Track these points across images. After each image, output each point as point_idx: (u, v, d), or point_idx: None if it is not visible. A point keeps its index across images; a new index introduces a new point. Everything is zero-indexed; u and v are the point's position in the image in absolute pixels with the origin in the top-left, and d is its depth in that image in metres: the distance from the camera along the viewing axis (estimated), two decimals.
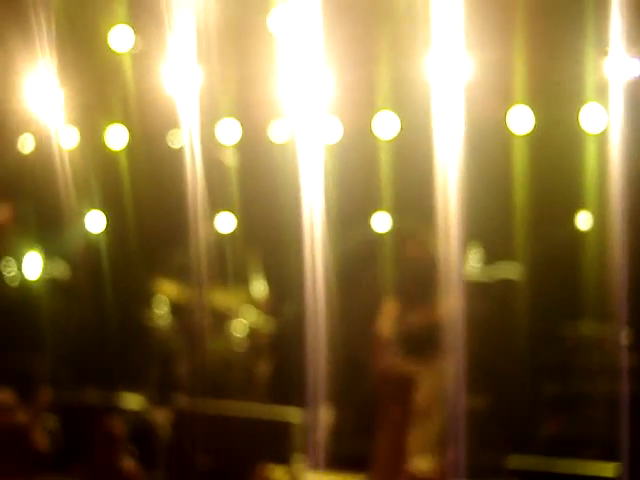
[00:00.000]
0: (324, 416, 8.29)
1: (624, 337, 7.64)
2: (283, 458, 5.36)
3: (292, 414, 5.64)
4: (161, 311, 9.23)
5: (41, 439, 2.07)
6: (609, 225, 7.37)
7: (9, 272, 9.61)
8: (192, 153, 9.16)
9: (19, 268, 9.78)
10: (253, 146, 10.27)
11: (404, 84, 8.81)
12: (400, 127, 9.37)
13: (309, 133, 7.65)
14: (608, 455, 6.49)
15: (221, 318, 9.30)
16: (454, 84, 7.81)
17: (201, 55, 8.93)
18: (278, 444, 5.45)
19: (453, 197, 7.53)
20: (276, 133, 10.25)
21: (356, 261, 9.84)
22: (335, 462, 7.02)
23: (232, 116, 9.93)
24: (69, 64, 9.79)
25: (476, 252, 7.41)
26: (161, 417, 6.59)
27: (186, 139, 9.15)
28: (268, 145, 10.22)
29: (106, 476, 1.67)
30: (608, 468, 5.45)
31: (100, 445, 2.32)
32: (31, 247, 10.07)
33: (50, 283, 9.58)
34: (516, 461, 5.65)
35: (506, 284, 7.44)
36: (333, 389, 8.01)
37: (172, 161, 9.20)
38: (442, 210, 7.38)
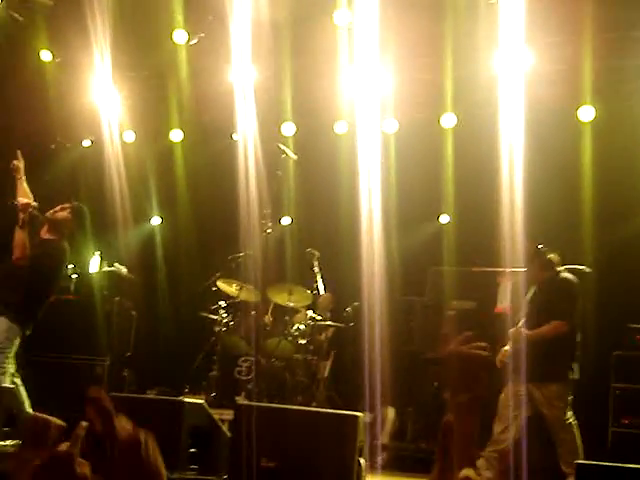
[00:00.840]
0: (387, 417, 8.36)
1: None
2: (345, 457, 5.40)
3: (354, 415, 5.68)
4: (222, 311, 9.30)
5: (82, 469, 2.15)
6: None
7: (71, 272, 9.79)
8: (253, 150, 9.31)
9: (82, 267, 9.97)
10: (315, 141, 10.34)
11: (467, 78, 8.85)
12: (460, 121, 9.39)
13: (369, 128, 7.69)
14: None
15: (282, 317, 9.35)
16: (518, 77, 7.84)
17: (261, 50, 9.08)
18: (341, 443, 5.48)
19: (519, 194, 7.56)
20: (338, 128, 10.31)
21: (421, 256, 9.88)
22: (398, 463, 7.09)
23: (294, 112, 9.99)
24: (130, 63, 10.01)
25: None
26: (224, 417, 6.67)
27: (247, 136, 9.30)
28: (330, 140, 10.27)
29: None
30: None
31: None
32: (93, 245, 10.28)
33: (111, 282, 9.74)
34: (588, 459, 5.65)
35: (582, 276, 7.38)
36: (396, 389, 8.07)
37: (232, 159, 9.33)
38: (508, 208, 7.41)
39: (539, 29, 7.87)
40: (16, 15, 10.00)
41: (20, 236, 6.77)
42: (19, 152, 7.30)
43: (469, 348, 2.57)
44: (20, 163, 7.26)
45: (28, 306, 6.91)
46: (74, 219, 7.20)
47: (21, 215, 6.78)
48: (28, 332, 7.04)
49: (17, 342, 6.95)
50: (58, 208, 7.21)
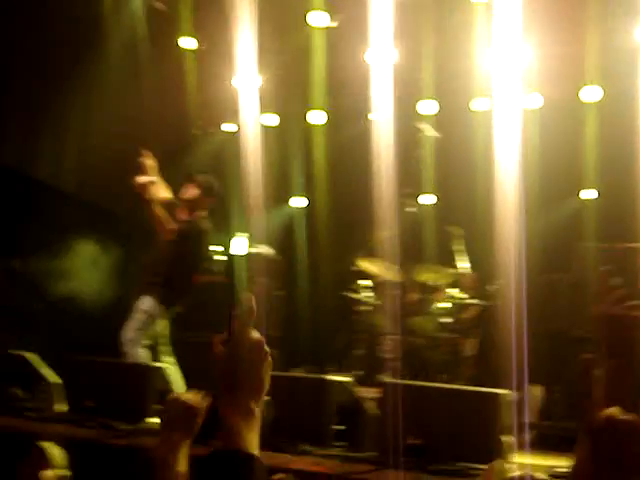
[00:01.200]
0: (532, 395, 8.32)
1: None
2: (491, 435, 5.44)
3: (498, 392, 5.71)
4: (365, 290, 9.42)
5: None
6: None
7: (218, 254, 10.06)
8: (392, 130, 9.37)
9: (228, 249, 10.24)
10: (454, 120, 10.33)
11: (610, 53, 8.69)
12: (605, 95, 9.24)
13: (510, 104, 7.65)
14: None
15: (426, 296, 9.41)
16: None
17: (400, 31, 9.12)
18: (486, 421, 5.52)
19: None
20: (477, 105, 10.27)
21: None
22: (544, 442, 7.06)
23: (433, 90, 10.01)
24: (269, 47, 10.21)
25: None
26: (369, 395, 6.78)
27: (385, 116, 9.37)
28: (469, 117, 10.25)
29: None
30: None
31: None
32: (237, 225, 10.56)
33: (257, 263, 9.95)
34: None
35: None
36: (542, 368, 8.02)
37: (371, 140, 9.41)
38: None
39: None
40: (158, 4, 10.37)
41: (153, 212, 6.85)
42: (145, 150, 7.32)
43: (622, 308, 2.46)
44: (148, 160, 7.21)
45: (173, 287, 7.07)
46: (206, 193, 7.24)
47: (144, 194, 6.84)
48: (175, 313, 7.18)
49: (163, 323, 7.12)
50: (186, 187, 7.27)
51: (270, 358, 2.05)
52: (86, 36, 9.91)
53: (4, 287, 10.45)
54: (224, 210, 11.11)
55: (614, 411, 2.20)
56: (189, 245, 7.10)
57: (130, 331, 6.96)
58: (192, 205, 7.21)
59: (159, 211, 6.88)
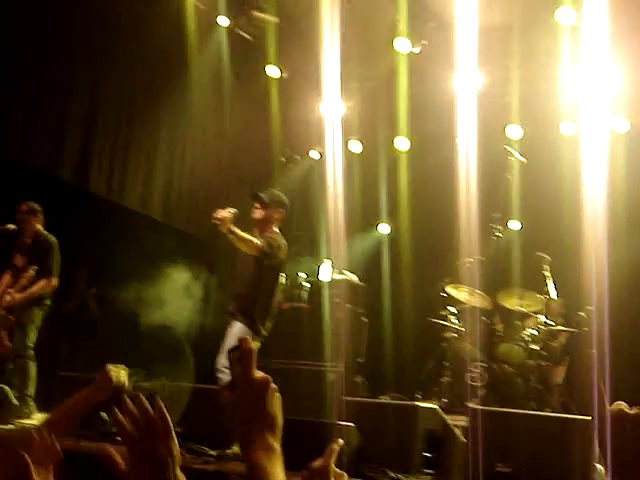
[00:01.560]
0: None
1: None
2: (581, 462, 5.39)
3: (587, 419, 5.65)
4: (452, 317, 9.41)
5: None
6: None
7: (304, 280, 10.14)
8: (477, 155, 9.38)
9: (310, 275, 10.31)
10: (541, 144, 10.27)
11: None
12: None
13: (597, 128, 7.60)
14: None
15: (513, 323, 9.35)
16: None
17: (486, 56, 9.15)
18: (576, 447, 5.48)
19: None
20: (565, 129, 10.21)
21: None
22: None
23: (520, 115, 9.99)
24: (354, 74, 10.34)
25: None
26: (456, 422, 6.76)
27: (471, 141, 9.39)
28: (556, 142, 10.18)
29: None
30: None
31: None
32: (321, 254, 10.63)
33: (342, 290, 9.98)
34: None
35: None
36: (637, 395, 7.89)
37: (457, 165, 9.43)
38: None
39: None
40: (244, 33, 10.59)
41: (237, 237, 6.87)
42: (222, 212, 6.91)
43: None
44: (226, 214, 6.90)
45: (256, 312, 7.09)
46: (273, 208, 7.18)
47: (224, 229, 6.87)
48: (260, 340, 7.22)
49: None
50: (254, 207, 7.21)
51: (278, 394, 2.10)
52: (172, 68, 10.16)
53: (96, 314, 10.72)
54: (309, 237, 11.25)
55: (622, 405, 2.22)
56: (269, 262, 7.10)
57: (225, 357, 6.98)
58: (264, 223, 7.18)
59: (240, 233, 6.90)
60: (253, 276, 7.10)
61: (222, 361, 6.89)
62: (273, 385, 2.09)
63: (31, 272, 7.92)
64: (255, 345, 6.85)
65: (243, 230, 6.81)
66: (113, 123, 10.15)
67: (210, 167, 10.71)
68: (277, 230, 7.21)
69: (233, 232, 6.77)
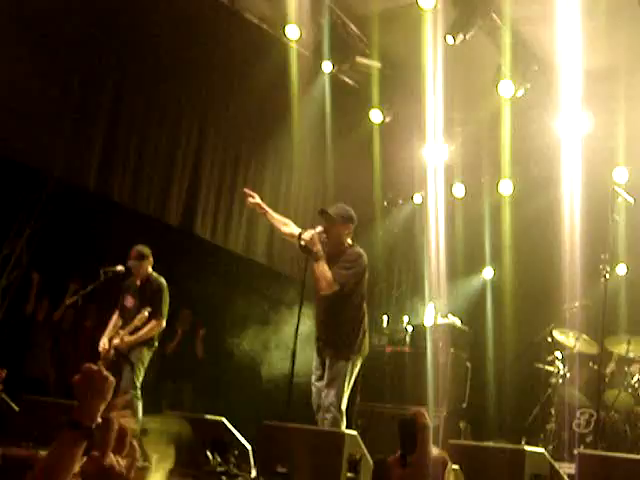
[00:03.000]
0: None
1: None
2: None
3: None
4: (558, 362, 9.33)
5: None
6: None
7: (407, 324, 10.19)
8: (582, 198, 9.35)
9: (416, 318, 10.38)
10: None
11: None
12: None
13: None
14: None
15: (621, 368, 9.23)
16: None
17: (590, 99, 9.14)
18: None
19: None
20: None
21: None
22: None
23: (627, 157, 9.92)
24: (456, 118, 10.43)
25: None
26: (562, 469, 6.69)
27: (574, 186, 9.37)
28: None
29: None
30: None
31: None
32: (424, 297, 10.68)
33: (446, 334, 9.97)
34: None
35: None
36: None
37: (560, 209, 9.41)
38: None
39: None
40: (347, 79, 10.78)
41: (318, 268, 6.90)
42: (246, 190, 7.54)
43: None
44: (253, 198, 7.38)
45: (351, 338, 7.06)
46: (341, 224, 7.14)
47: (312, 249, 6.92)
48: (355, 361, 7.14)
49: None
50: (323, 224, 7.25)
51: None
52: (277, 113, 10.39)
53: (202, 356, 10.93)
54: (412, 280, 11.31)
55: None
56: (344, 285, 7.05)
57: (331, 396, 7.00)
58: (334, 239, 7.14)
59: (319, 267, 6.91)
60: (334, 305, 7.10)
61: (330, 399, 6.90)
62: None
63: (145, 314, 8.12)
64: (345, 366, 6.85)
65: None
66: (219, 167, 10.41)
67: (313, 212, 10.86)
68: (350, 242, 7.19)
69: (317, 258, 6.84)
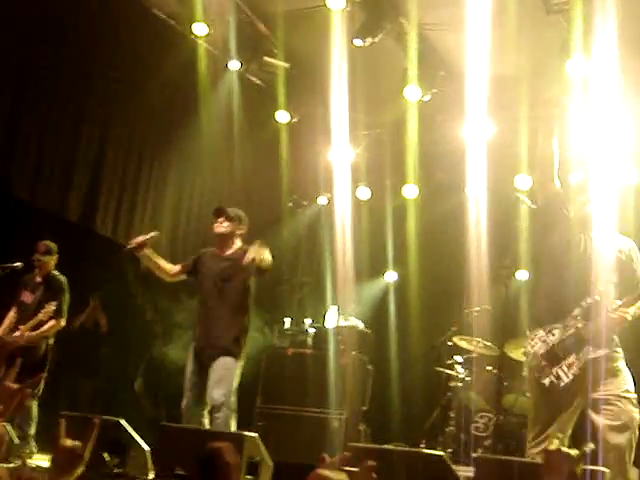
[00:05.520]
0: None
1: None
2: None
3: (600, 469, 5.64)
4: (458, 366, 9.43)
5: None
6: None
7: (309, 326, 10.19)
8: (486, 204, 9.47)
9: (316, 320, 10.36)
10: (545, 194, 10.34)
11: None
12: None
13: (605, 179, 7.62)
14: None
15: (520, 373, 9.35)
16: None
17: (494, 106, 9.26)
18: None
19: None
20: (573, 179, 10.28)
21: None
22: None
23: (525, 166, 10.07)
24: (363, 121, 10.47)
25: None
26: (461, 472, 6.74)
27: (480, 190, 9.48)
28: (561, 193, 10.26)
29: None
30: None
31: None
32: (328, 300, 10.68)
33: (348, 336, 9.98)
34: None
35: None
36: None
37: (465, 213, 9.50)
38: None
39: None
40: (254, 78, 10.73)
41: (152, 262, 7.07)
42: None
43: None
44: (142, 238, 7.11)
45: (241, 336, 7.05)
46: (236, 224, 7.16)
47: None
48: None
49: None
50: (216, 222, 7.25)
51: None
52: (183, 111, 10.28)
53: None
54: (315, 282, 11.29)
55: None
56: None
57: (221, 395, 6.93)
58: (227, 238, 7.18)
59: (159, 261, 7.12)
60: (234, 303, 7.13)
61: (221, 398, 6.84)
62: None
63: (52, 307, 8.03)
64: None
65: None
66: (122, 164, 10.24)
67: None
68: (241, 244, 7.22)
69: (148, 257, 6.90)
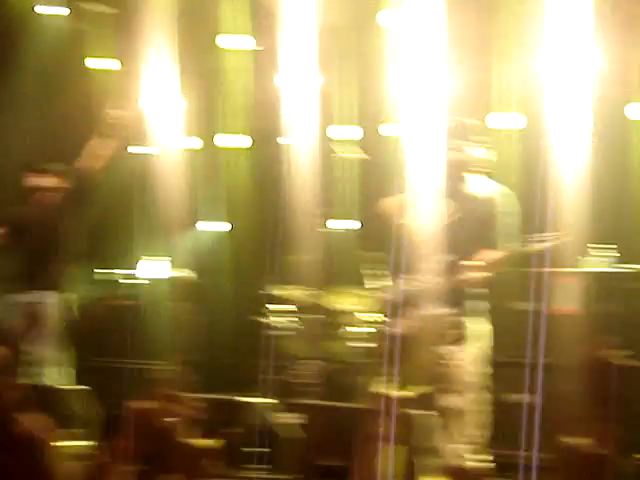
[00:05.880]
0: None
1: None
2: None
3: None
4: (279, 315, 9.51)
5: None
6: None
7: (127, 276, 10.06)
8: (305, 153, 9.54)
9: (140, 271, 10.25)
10: (368, 143, 10.50)
11: (523, 80, 8.99)
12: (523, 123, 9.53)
13: (420, 130, 7.76)
14: None
15: (338, 321, 9.50)
16: (575, 77, 7.98)
17: (315, 56, 9.29)
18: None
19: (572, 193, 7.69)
20: (390, 130, 10.48)
21: None
22: None
23: (348, 114, 10.18)
24: (183, 69, 10.32)
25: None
26: (285, 419, 6.85)
27: (302, 141, 9.53)
28: (382, 142, 10.44)
29: None
30: None
31: None
32: (150, 251, 10.56)
33: (172, 286, 9.92)
34: None
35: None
36: None
37: (285, 163, 9.56)
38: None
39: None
40: (78, 24, 10.40)
41: None
42: None
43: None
44: None
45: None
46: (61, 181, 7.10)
47: None
48: None
49: None
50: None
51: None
52: None
53: None
54: (140, 232, 11.12)
55: None
56: None
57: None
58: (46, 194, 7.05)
59: None
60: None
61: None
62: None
63: None
64: None
65: None
66: None
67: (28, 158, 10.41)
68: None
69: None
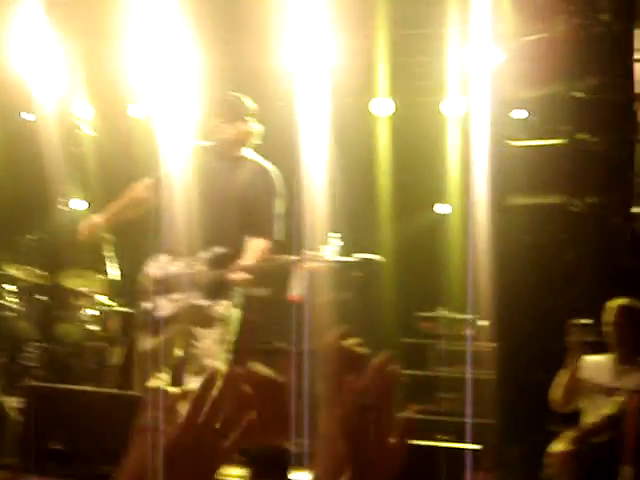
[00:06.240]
0: None
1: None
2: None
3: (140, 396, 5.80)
4: (9, 295, 9.20)
5: None
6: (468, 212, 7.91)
7: None
8: (47, 129, 9.28)
9: None
10: (111, 122, 10.36)
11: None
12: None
13: (168, 110, 7.71)
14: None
15: (73, 303, 9.33)
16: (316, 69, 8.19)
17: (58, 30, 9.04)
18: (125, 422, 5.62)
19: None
20: (132, 110, 10.40)
21: None
22: None
23: (91, 93, 10.00)
24: None
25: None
26: (11, 402, 6.66)
27: (40, 116, 9.26)
28: (125, 120, 10.33)
29: None
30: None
31: None
32: None
33: None
34: None
35: (368, 263, 7.64)
36: None
37: (26, 139, 9.27)
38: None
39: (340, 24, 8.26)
40: None
41: None
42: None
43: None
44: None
45: None
46: None
47: None
48: None
49: None
50: None
51: None
52: None
53: None
54: None
55: None
56: None
57: None
58: None
59: None
60: None
61: None
62: None
63: None
64: None
65: None
66: None
67: None
68: None
69: None
